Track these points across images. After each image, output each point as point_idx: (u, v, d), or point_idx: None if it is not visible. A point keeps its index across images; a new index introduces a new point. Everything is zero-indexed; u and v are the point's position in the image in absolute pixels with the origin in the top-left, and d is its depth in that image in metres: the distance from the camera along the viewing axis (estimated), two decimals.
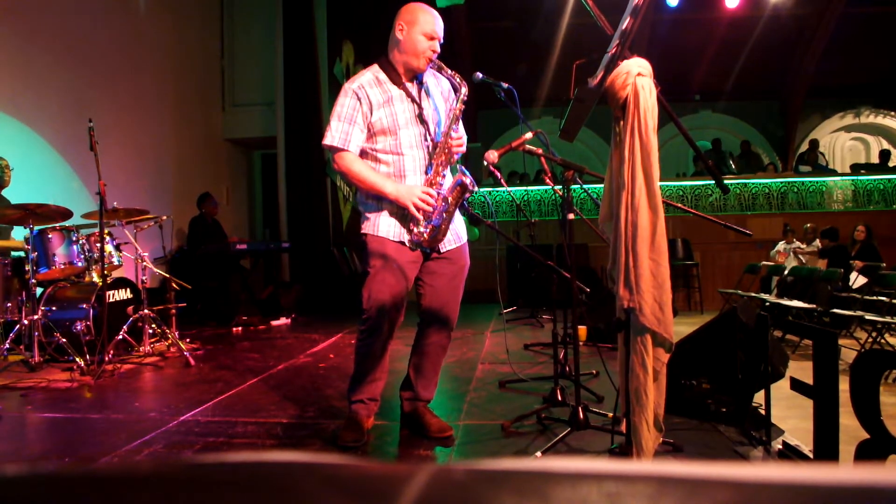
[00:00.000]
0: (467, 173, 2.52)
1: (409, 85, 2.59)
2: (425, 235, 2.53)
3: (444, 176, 2.57)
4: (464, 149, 2.63)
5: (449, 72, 2.54)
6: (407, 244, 2.56)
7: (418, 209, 2.47)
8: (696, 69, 11.07)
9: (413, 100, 2.58)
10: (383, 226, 2.56)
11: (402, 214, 2.55)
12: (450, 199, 2.52)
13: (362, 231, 2.62)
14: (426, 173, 2.57)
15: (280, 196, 8.40)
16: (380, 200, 2.56)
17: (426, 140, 2.59)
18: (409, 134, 2.55)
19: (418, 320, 2.74)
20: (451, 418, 2.94)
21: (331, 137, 2.54)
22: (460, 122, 2.62)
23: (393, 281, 2.53)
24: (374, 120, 2.52)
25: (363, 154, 2.58)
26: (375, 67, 2.61)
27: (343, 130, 2.52)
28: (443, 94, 2.70)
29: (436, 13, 2.57)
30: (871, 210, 9.29)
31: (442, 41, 2.57)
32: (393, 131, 2.53)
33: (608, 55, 2.03)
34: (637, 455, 1.99)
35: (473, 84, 2.66)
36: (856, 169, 10.57)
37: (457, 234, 2.69)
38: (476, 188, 2.52)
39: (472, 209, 2.64)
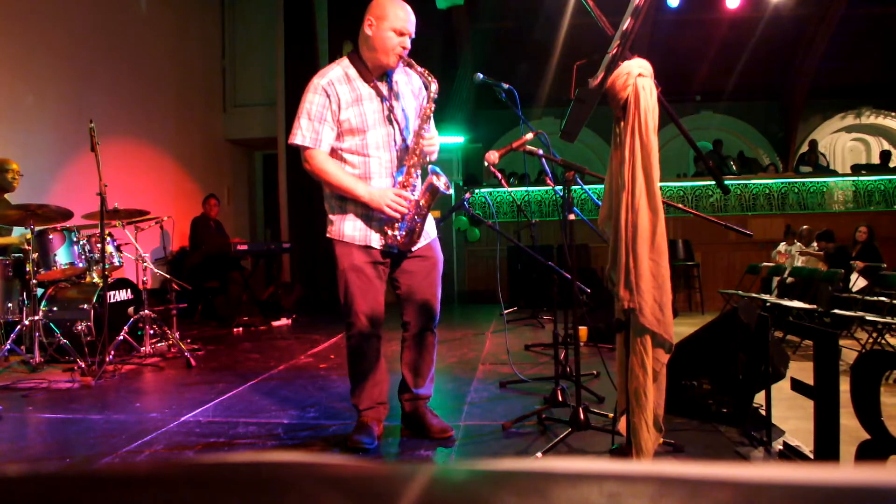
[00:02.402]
0: (441, 173, 2.48)
1: (379, 83, 2.54)
2: (399, 239, 2.50)
3: (416, 177, 2.53)
4: (436, 149, 2.58)
5: (419, 69, 2.50)
6: (377, 247, 2.53)
7: (393, 210, 2.44)
8: (696, 70, 11.06)
9: (383, 99, 2.52)
10: (348, 230, 2.53)
11: (368, 216, 2.51)
12: (422, 202, 2.49)
13: (328, 235, 2.59)
14: (394, 176, 2.53)
15: (281, 196, 8.40)
16: (344, 203, 2.52)
17: (395, 141, 2.54)
18: (378, 134, 2.51)
19: (401, 321, 2.71)
20: (451, 419, 2.93)
21: (301, 137, 2.48)
22: (431, 121, 2.59)
23: (364, 284, 2.52)
24: (342, 119, 2.47)
25: (330, 152, 2.53)
26: (346, 62, 2.55)
27: (314, 129, 2.47)
28: (413, 91, 2.65)
29: (407, 7, 2.49)
30: (872, 211, 9.28)
31: (413, 36, 2.50)
32: (361, 131, 2.48)
33: (609, 56, 2.03)
34: (637, 456, 1.98)
35: (474, 82, 2.64)
36: (856, 169, 10.55)
37: (425, 232, 2.64)
38: (449, 190, 2.50)
39: (473, 210, 2.63)
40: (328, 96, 2.46)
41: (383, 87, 2.54)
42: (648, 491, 0.27)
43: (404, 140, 2.55)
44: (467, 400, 3.40)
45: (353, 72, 2.52)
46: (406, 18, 2.46)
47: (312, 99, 2.48)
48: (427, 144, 2.53)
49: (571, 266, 2.56)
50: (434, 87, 2.50)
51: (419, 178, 2.56)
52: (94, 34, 6.32)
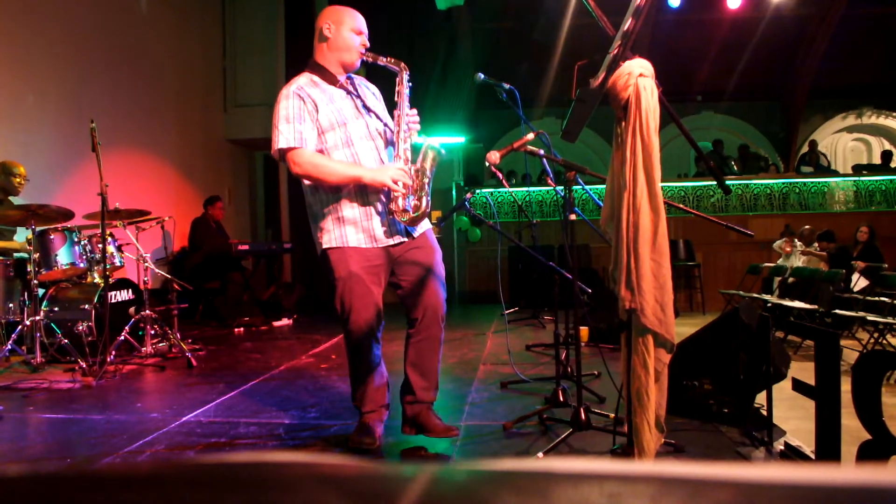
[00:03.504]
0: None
1: (343, 82, 2.59)
2: (410, 212, 2.48)
3: (409, 153, 2.55)
4: (418, 125, 2.62)
5: (383, 60, 2.55)
6: (381, 237, 2.50)
7: (397, 183, 2.43)
8: (697, 70, 11.05)
9: (353, 95, 2.58)
10: (350, 233, 2.49)
11: (365, 205, 2.50)
12: (425, 166, 2.53)
13: (324, 246, 2.53)
14: (384, 162, 2.55)
15: (282, 197, 8.40)
16: (336, 208, 2.50)
17: (376, 129, 2.58)
18: (359, 125, 2.54)
19: (407, 320, 2.64)
20: (452, 419, 2.93)
21: (285, 140, 2.45)
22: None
23: (362, 290, 2.48)
24: (320, 118, 2.49)
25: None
26: (306, 73, 2.59)
27: (296, 130, 2.45)
28: (375, 95, 2.73)
29: (358, 13, 2.61)
30: (873, 211, 9.28)
31: (367, 36, 2.61)
32: (342, 123, 2.50)
33: (610, 56, 2.03)
34: (638, 456, 1.98)
35: (474, 82, 2.65)
36: (858, 170, 10.55)
37: (420, 224, 2.63)
38: (444, 151, 2.53)
39: (474, 210, 2.64)
40: (302, 99, 2.48)
41: (349, 86, 2.60)
42: (649, 491, 0.27)
43: (385, 125, 2.61)
44: (468, 400, 3.40)
45: (317, 78, 2.57)
46: (361, 21, 2.59)
47: (287, 104, 2.48)
48: (412, 120, 2.57)
49: (572, 266, 2.56)
50: (406, 74, 2.57)
51: (410, 152, 2.57)
52: (94, 34, 6.32)
